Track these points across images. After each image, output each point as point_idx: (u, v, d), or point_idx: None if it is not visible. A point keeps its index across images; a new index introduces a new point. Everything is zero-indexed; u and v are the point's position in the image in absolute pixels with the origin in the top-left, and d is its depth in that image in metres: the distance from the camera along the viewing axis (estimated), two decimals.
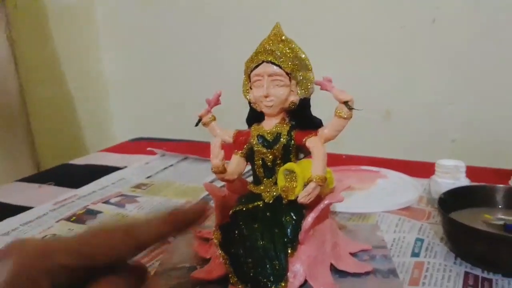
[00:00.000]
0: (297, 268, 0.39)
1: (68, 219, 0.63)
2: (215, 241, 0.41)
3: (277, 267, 0.38)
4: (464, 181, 0.59)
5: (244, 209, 0.41)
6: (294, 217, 0.40)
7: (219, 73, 1.25)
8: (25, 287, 0.24)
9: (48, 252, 0.25)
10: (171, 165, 0.86)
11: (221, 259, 0.39)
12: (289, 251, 0.39)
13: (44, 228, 0.60)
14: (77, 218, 0.63)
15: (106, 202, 0.68)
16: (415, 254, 0.48)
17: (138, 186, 0.75)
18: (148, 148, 0.93)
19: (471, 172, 0.62)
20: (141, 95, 1.45)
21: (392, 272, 0.42)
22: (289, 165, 0.41)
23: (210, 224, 0.58)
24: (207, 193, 0.69)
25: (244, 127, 0.46)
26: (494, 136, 1.01)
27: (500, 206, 0.52)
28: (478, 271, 0.45)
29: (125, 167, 0.85)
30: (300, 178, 0.39)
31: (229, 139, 0.44)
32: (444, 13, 1.00)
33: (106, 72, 1.49)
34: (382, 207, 0.59)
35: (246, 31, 1.18)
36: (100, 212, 0.65)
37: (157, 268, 0.44)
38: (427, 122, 1.09)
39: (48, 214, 0.65)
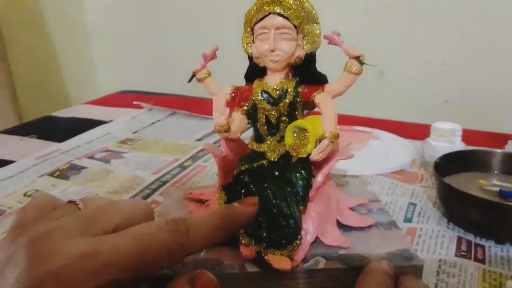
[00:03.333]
0: (308, 225, 0.38)
1: (52, 174, 0.61)
2: (221, 202, 0.39)
3: (292, 226, 0.36)
4: (460, 145, 0.58)
5: (249, 168, 0.39)
6: (304, 175, 0.38)
7: (212, 24, 1.20)
8: None
9: (100, 266, 0.23)
10: (159, 120, 0.83)
11: None
12: (301, 209, 0.38)
13: (26, 183, 0.58)
14: (61, 174, 0.61)
15: (91, 157, 0.66)
16: (407, 220, 0.47)
17: (124, 142, 0.73)
18: (135, 102, 0.90)
19: (466, 135, 0.61)
20: (126, 46, 1.39)
21: (393, 224, 0.42)
22: (299, 122, 0.39)
23: (199, 185, 0.57)
24: (196, 151, 0.67)
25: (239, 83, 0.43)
26: (487, 98, 1.01)
27: (495, 172, 0.51)
28: (471, 237, 0.44)
29: (111, 121, 0.82)
30: (312, 136, 0.37)
31: (227, 96, 0.42)
32: None
33: (89, 20, 1.42)
34: (375, 170, 0.58)
35: None
36: (84, 167, 0.63)
37: None
38: (420, 82, 1.08)
39: (31, 169, 0.62)
